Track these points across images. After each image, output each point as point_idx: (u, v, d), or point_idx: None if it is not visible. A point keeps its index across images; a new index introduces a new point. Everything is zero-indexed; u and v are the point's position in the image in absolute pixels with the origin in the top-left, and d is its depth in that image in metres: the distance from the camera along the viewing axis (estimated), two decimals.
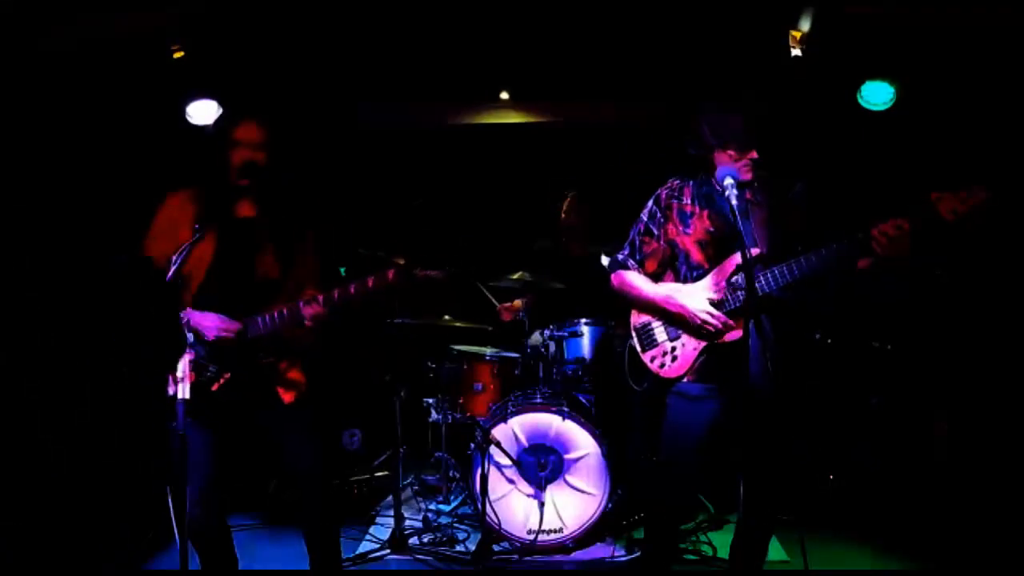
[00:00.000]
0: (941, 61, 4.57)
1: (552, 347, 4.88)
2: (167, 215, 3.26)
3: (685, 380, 3.29)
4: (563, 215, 5.46)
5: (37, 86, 4.43)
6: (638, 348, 3.42)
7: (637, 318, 3.44)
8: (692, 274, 3.31)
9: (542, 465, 4.45)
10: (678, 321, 3.28)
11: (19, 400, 4.48)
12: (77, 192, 4.85)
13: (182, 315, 3.20)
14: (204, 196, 3.23)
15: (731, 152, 3.21)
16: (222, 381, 3.23)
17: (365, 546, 4.51)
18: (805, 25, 3.82)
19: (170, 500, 2.85)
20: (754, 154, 3.21)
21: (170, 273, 2.80)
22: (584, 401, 4.78)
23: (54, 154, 4.61)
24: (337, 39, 5.25)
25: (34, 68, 4.37)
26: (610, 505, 4.42)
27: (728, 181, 3.05)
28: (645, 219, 3.43)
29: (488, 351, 5.14)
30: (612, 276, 3.51)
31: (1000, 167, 4.74)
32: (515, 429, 4.48)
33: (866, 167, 5.49)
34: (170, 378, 3.02)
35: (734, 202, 2.99)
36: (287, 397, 3.33)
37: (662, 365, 3.34)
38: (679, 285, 3.32)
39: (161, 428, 2.93)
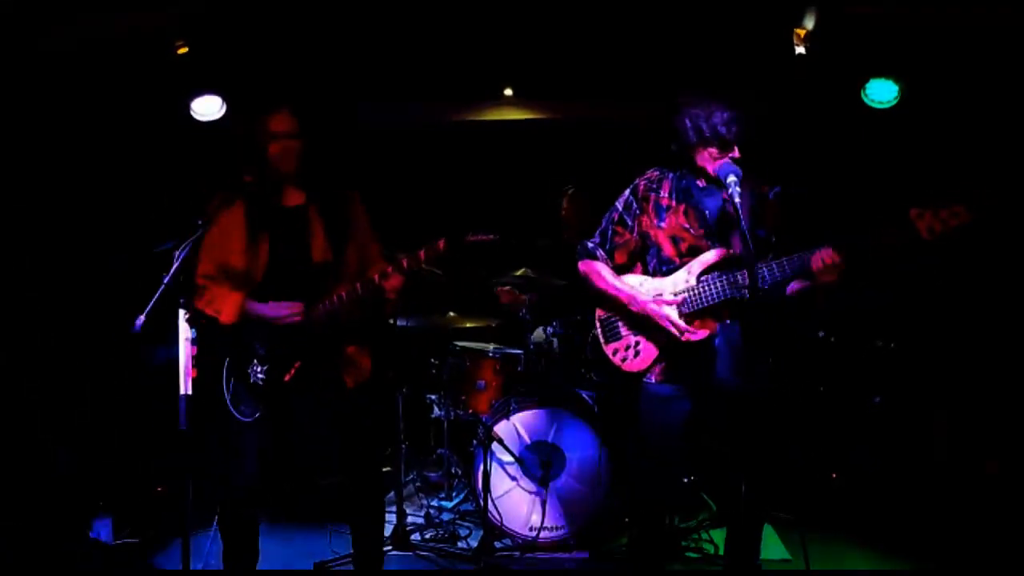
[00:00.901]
0: (940, 60, 4.57)
1: (555, 344, 4.88)
2: (215, 212, 3.26)
3: (653, 380, 3.27)
4: (563, 211, 5.48)
5: (37, 86, 4.41)
6: (601, 340, 3.39)
7: (601, 309, 3.41)
8: (662, 268, 3.27)
9: (544, 462, 4.45)
10: (640, 321, 3.26)
11: (19, 400, 4.48)
12: (77, 192, 4.85)
13: (249, 310, 3.24)
14: (248, 192, 3.27)
15: (712, 150, 3.17)
16: (293, 371, 3.26)
17: None
18: (809, 23, 3.81)
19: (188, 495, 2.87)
20: (736, 153, 3.17)
21: (172, 270, 2.80)
22: (587, 398, 4.78)
23: (53, 154, 4.59)
24: (338, 37, 5.25)
25: (34, 68, 4.35)
26: (612, 503, 4.42)
27: (731, 179, 3.00)
28: (620, 209, 3.39)
29: (491, 348, 5.14)
30: (579, 263, 3.48)
31: (997, 168, 4.75)
32: (517, 426, 4.48)
33: (853, 172, 5.51)
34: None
35: (737, 200, 2.95)
36: (349, 381, 3.37)
37: (624, 359, 3.31)
38: (645, 280, 3.29)
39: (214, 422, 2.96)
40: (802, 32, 3.81)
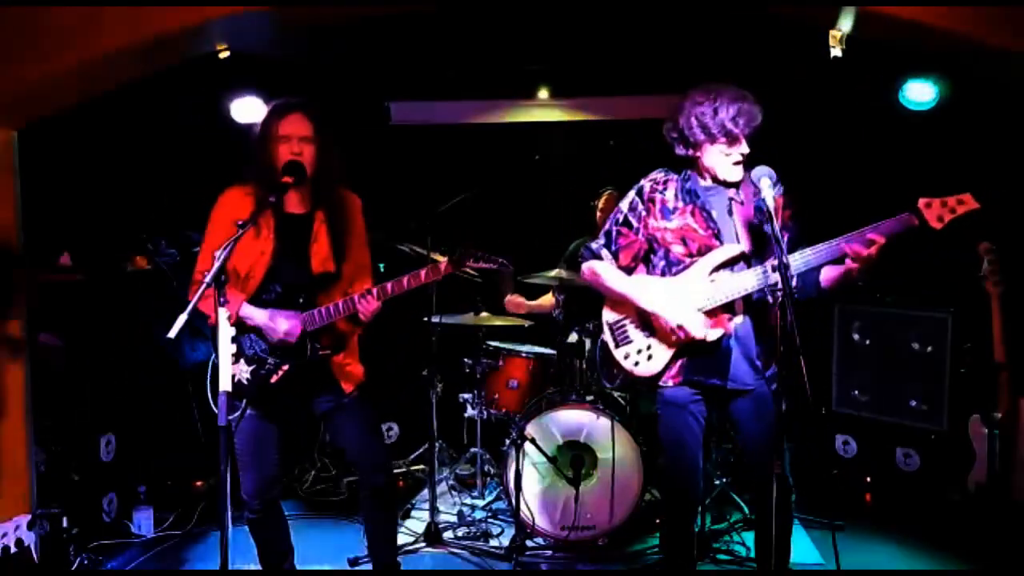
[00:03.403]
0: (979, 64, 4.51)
1: (588, 344, 4.90)
2: (224, 211, 3.28)
3: (670, 384, 3.25)
4: (600, 212, 5.49)
5: None
6: (611, 344, 3.36)
7: (610, 313, 3.38)
8: (671, 269, 3.24)
9: (576, 462, 4.47)
10: (652, 321, 3.24)
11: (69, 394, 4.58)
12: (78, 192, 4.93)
13: (242, 313, 3.25)
14: (255, 192, 3.23)
15: (720, 146, 3.13)
16: (281, 373, 3.29)
17: (400, 539, 4.53)
18: (845, 25, 3.77)
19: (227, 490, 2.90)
20: (745, 148, 3.13)
21: (214, 268, 2.83)
22: (619, 399, 4.80)
23: (53, 155, 4.64)
24: (373, 39, 5.30)
25: None
26: (643, 503, 4.43)
27: (765, 182, 2.96)
28: (625, 210, 3.34)
29: (524, 348, 5.17)
30: (583, 266, 3.43)
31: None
32: (550, 426, 4.51)
33: (901, 164, 5.47)
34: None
35: (771, 203, 2.92)
36: (347, 387, 3.39)
37: (636, 363, 3.28)
38: (655, 281, 3.26)
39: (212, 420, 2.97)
40: (838, 34, 3.78)
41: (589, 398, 4.58)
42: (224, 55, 4.05)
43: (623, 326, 3.34)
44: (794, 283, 3.03)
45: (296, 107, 3.25)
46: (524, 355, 5.06)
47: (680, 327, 3.12)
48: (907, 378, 5.18)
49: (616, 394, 4.79)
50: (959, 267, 4.40)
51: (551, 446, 4.50)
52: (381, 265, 3.61)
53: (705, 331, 3.13)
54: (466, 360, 5.23)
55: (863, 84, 5.05)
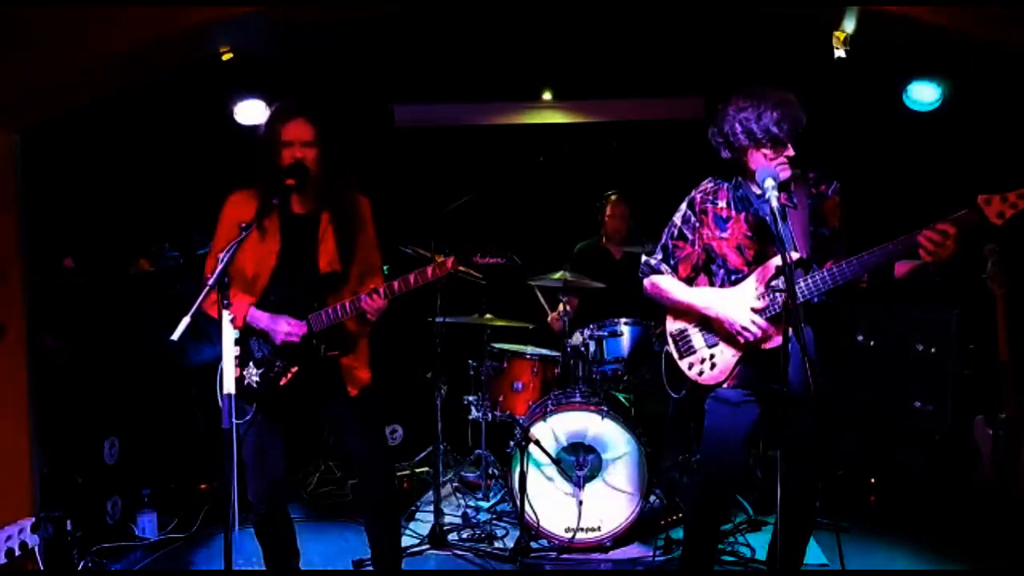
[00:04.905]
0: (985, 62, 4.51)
1: (592, 346, 4.90)
2: (231, 214, 3.27)
3: (724, 385, 3.27)
4: (605, 216, 5.49)
5: None
6: (675, 355, 3.37)
7: (673, 324, 3.39)
8: (730, 278, 3.26)
9: (580, 464, 4.47)
10: (716, 328, 3.25)
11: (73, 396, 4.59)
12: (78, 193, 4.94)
13: (248, 317, 3.24)
14: (259, 195, 3.21)
15: (765, 151, 3.14)
16: (290, 375, 3.28)
17: (405, 541, 4.53)
18: (849, 26, 3.76)
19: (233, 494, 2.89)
20: (790, 151, 3.14)
21: (217, 271, 2.82)
22: (623, 401, 4.80)
23: (56, 157, 4.65)
24: (378, 39, 5.30)
25: None
26: (648, 505, 4.43)
27: (769, 183, 2.96)
28: (678, 223, 3.37)
29: (528, 350, 5.17)
30: (645, 282, 3.45)
31: None
32: (554, 428, 4.50)
33: (905, 166, 5.45)
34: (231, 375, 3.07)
35: (775, 204, 2.91)
36: (352, 390, 3.37)
37: (701, 372, 3.30)
38: (716, 290, 3.27)
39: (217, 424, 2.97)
40: (842, 35, 3.77)
41: (594, 400, 4.57)
42: (227, 57, 4.06)
43: (686, 336, 3.35)
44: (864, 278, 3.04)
45: (298, 111, 3.23)
46: (529, 357, 5.05)
47: (745, 328, 3.12)
48: (912, 379, 5.18)
49: (620, 396, 4.78)
50: (964, 268, 4.41)
51: (556, 448, 4.50)
52: (384, 268, 3.60)
53: (767, 335, 3.13)
54: (471, 362, 5.24)
55: (867, 85, 5.04)
